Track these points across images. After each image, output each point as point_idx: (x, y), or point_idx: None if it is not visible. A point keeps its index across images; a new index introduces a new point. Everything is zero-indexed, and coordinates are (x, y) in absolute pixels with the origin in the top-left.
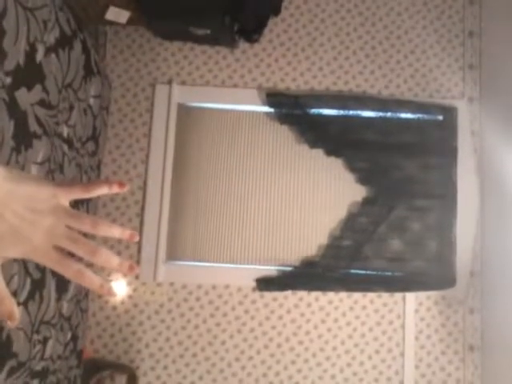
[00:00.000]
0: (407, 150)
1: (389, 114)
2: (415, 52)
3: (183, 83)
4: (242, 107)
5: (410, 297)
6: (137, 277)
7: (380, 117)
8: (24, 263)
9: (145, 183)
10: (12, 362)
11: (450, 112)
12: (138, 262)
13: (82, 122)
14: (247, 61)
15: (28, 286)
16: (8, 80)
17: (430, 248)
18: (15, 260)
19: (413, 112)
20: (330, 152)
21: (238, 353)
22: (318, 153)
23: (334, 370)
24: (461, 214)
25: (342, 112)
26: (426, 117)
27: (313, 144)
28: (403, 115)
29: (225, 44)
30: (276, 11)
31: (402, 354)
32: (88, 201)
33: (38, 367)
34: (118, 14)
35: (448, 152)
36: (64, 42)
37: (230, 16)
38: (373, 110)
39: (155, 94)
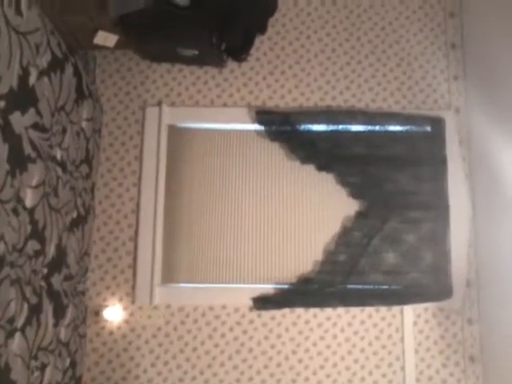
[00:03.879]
0: (397, 162)
1: (377, 128)
2: (401, 65)
3: (173, 104)
4: (232, 126)
5: (408, 309)
6: (133, 301)
7: (369, 130)
8: (21, 288)
9: (138, 206)
10: None
11: (437, 123)
12: (134, 286)
13: (75, 144)
14: (235, 80)
15: (25, 312)
16: (2, 104)
17: (425, 259)
18: (12, 285)
19: (401, 124)
20: (321, 167)
21: (237, 374)
22: (310, 168)
23: None
24: (453, 223)
25: (331, 127)
26: (414, 128)
27: (304, 160)
28: (392, 128)
29: (213, 64)
30: (262, 29)
31: (403, 368)
32: (83, 225)
33: None
34: (106, 38)
35: (438, 162)
36: (56, 65)
37: (216, 35)
38: (361, 123)
39: (145, 117)
